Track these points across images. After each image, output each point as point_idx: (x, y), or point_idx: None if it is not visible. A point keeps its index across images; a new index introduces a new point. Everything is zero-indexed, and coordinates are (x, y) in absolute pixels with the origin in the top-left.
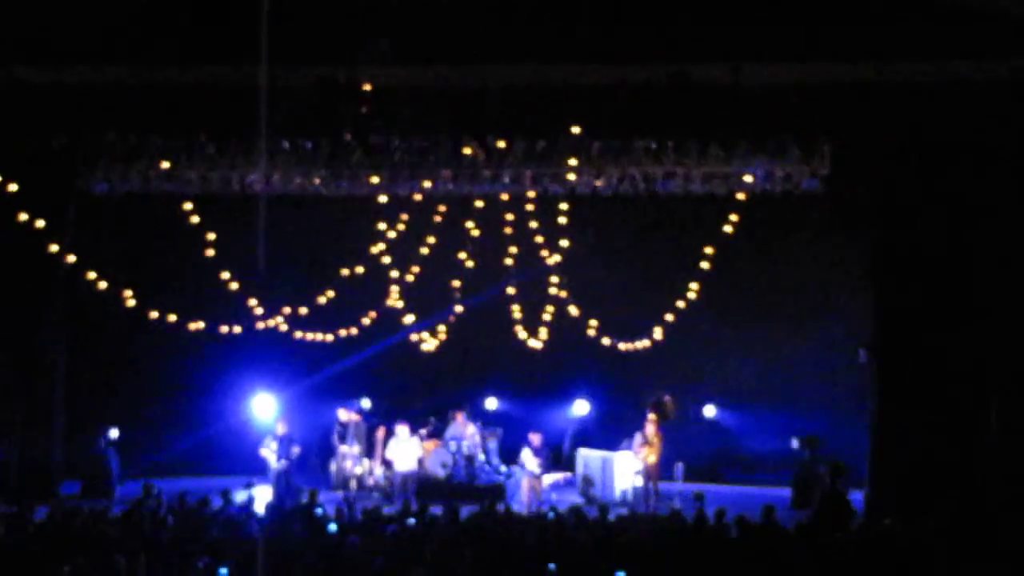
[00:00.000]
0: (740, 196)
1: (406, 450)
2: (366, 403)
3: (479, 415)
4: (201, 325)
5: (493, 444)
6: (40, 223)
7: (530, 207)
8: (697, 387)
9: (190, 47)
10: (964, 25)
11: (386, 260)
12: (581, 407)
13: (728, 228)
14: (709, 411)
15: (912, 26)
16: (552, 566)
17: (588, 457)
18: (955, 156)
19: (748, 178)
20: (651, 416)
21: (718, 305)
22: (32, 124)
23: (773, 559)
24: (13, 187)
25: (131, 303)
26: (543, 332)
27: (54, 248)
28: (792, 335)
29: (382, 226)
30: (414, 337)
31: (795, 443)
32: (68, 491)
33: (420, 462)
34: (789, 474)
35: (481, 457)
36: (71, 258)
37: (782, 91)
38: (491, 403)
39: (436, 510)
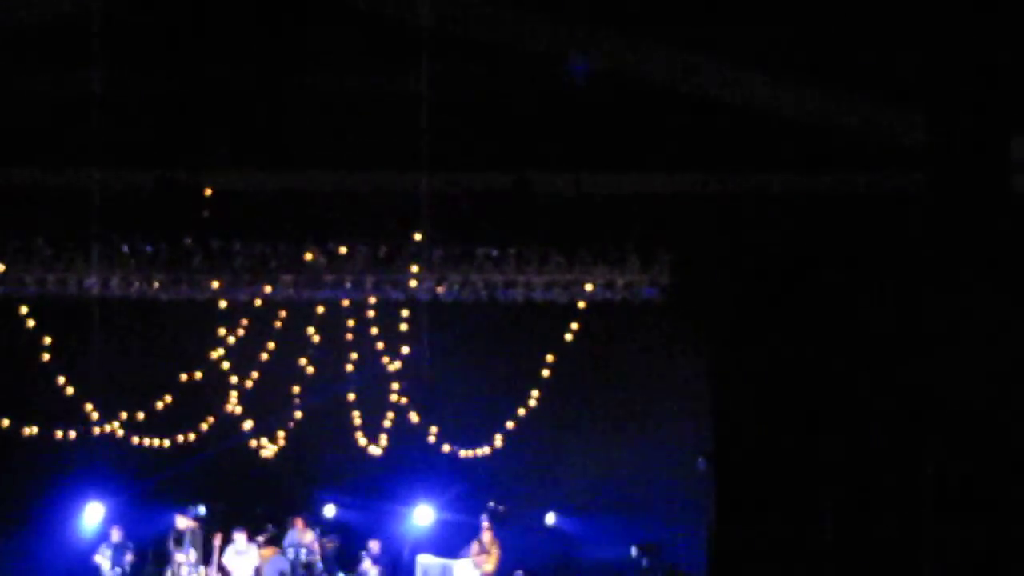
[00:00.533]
0: (581, 304)
1: (243, 558)
2: (202, 510)
3: (318, 522)
4: (35, 430)
5: (331, 551)
6: None
7: (371, 313)
8: (537, 494)
9: (26, 147)
10: (808, 138)
11: (225, 365)
12: (423, 514)
13: (568, 336)
14: (549, 518)
15: (754, 138)
16: None
17: (427, 565)
18: (795, 268)
19: (589, 287)
20: (486, 524)
21: (558, 413)
22: None
23: None
24: None
25: None
26: (383, 438)
27: None
28: (632, 443)
29: (222, 331)
30: (252, 443)
31: (634, 551)
32: None
33: (257, 570)
34: None
35: (320, 565)
36: None
37: (623, 200)
38: (329, 510)
39: None
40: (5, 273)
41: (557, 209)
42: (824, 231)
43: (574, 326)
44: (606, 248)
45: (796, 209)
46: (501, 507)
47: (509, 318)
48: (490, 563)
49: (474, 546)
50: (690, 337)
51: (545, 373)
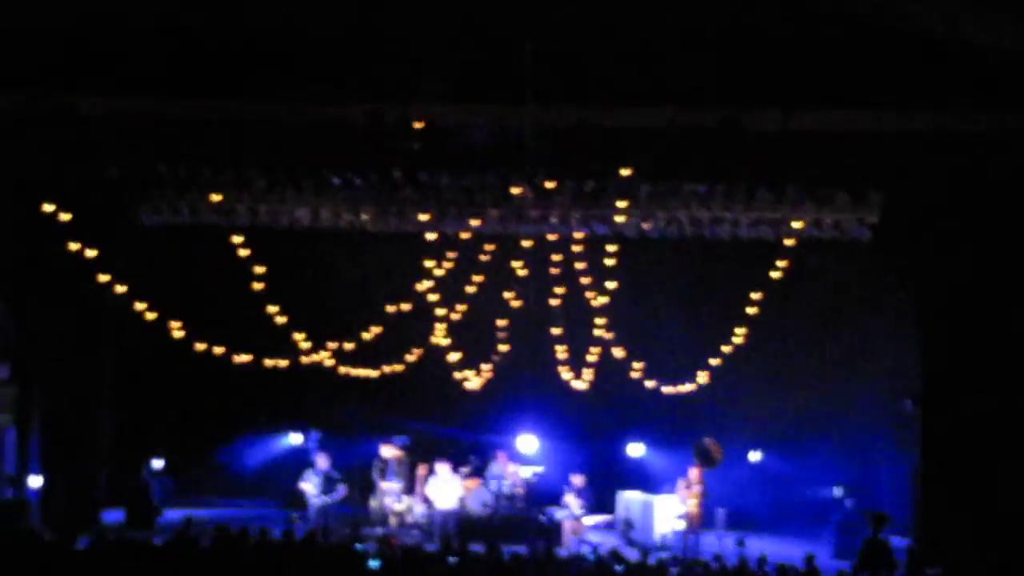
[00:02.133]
0: (788, 242)
1: (447, 488)
2: (407, 440)
3: (521, 454)
4: (247, 358)
5: (534, 484)
6: (91, 253)
7: (577, 248)
8: (741, 432)
9: (243, 81)
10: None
11: (432, 297)
12: (627, 449)
13: (775, 274)
14: (753, 457)
15: (968, 76)
16: None
17: (629, 500)
18: (1008, 209)
19: (797, 224)
20: (695, 461)
21: (764, 350)
22: (86, 154)
23: None
24: (65, 216)
25: (178, 334)
26: (588, 373)
27: (104, 278)
28: (837, 382)
29: (429, 264)
30: (458, 375)
31: (838, 491)
32: (111, 520)
33: (461, 501)
34: (832, 522)
35: (522, 497)
36: (120, 288)
37: (833, 138)
38: (532, 443)
39: (477, 549)
40: (219, 203)
41: (766, 146)
42: None
43: (781, 264)
44: (815, 186)
45: (1012, 149)
46: (712, 442)
47: (715, 255)
48: (694, 500)
49: (680, 482)
50: (899, 277)
51: (751, 311)
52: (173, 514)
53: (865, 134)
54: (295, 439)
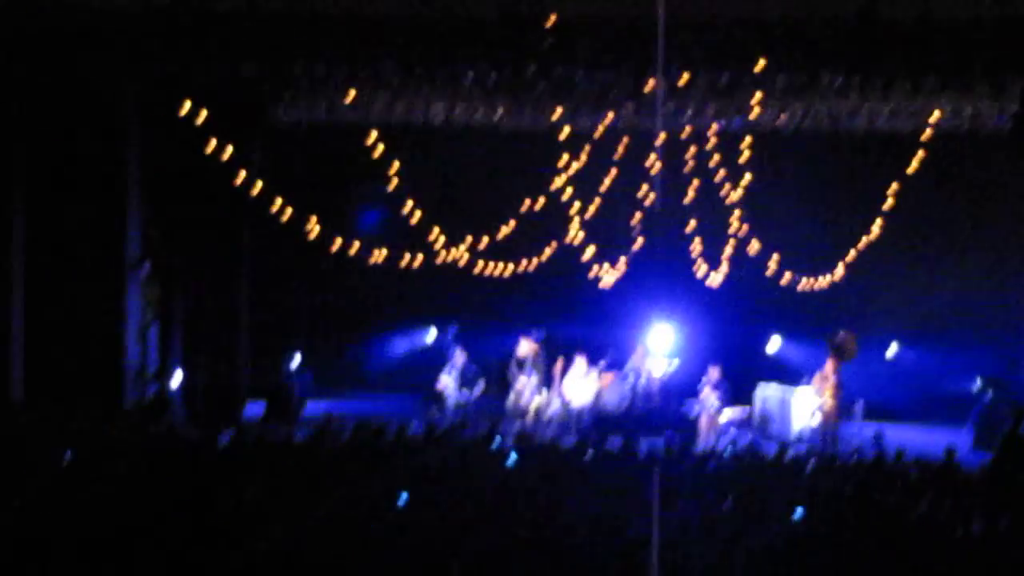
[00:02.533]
0: (927, 133)
1: (584, 383)
2: (544, 335)
3: (656, 349)
4: (383, 254)
5: (670, 378)
6: (228, 152)
7: (712, 141)
8: (879, 326)
9: None
10: None
11: (567, 193)
12: (765, 342)
13: (914, 165)
14: (891, 350)
15: None
16: (729, 502)
17: (766, 394)
18: None
19: (935, 115)
20: (831, 355)
21: (902, 243)
22: (222, 53)
23: (953, 500)
24: (203, 115)
25: (315, 232)
26: (723, 267)
27: (241, 176)
28: (977, 275)
29: (563, 159)
30: (593, 270)
31: (978, 383)
32: (251, 414)
33: (598, 395)
34: (971, 415)
35: (658, 390)
36: (257, 186)
37: (973, 26)
38: (665, 337)
39: (614, 443)
40: (355, 99)
41: (904, 35)
42: None
43: (919, 155)
44: (954, 76)
45: None
46: (848, 336)
47: (852, 147)
48: (831, 394)
49: (817, 376)
50: None
51: (888, 203)
52: (313, 408)
53: (1005, 20)
54: (432, 335)
